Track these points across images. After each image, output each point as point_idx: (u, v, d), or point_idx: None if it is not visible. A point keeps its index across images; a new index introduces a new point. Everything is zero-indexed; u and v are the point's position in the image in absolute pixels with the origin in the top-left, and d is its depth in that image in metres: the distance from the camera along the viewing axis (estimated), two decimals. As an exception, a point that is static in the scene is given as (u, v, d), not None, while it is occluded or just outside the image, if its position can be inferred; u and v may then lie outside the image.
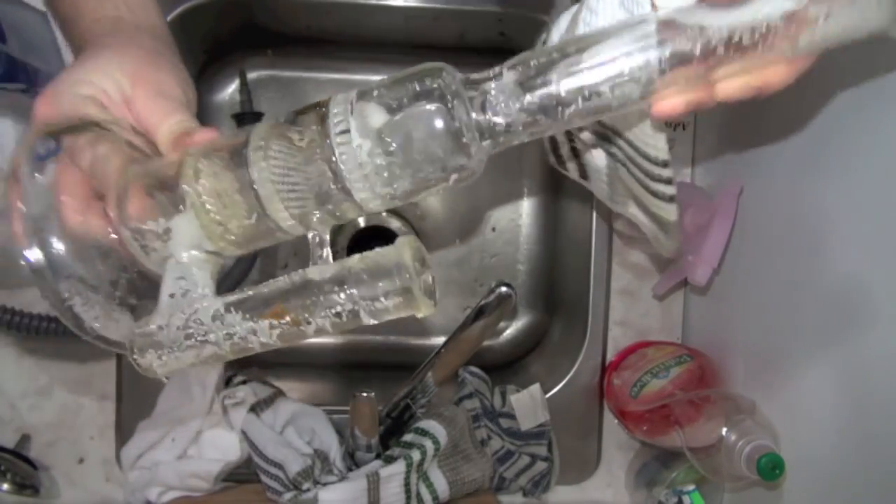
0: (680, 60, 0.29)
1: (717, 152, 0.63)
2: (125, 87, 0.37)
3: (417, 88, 0.29)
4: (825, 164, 0.47)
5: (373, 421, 0.54)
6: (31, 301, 0.61)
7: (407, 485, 0.54)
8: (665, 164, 0.40)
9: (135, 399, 0.62)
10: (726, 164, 0.61)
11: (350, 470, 0.56)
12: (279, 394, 0.60)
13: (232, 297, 0.31)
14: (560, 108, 0.29)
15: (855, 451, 0.44)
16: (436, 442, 0.55)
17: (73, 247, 0.33)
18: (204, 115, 0.73)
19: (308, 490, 0.53)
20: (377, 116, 0.29)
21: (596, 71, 0.29)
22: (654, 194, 0.42)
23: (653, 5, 0.31)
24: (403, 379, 0.58)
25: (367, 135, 0.29)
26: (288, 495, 0.54)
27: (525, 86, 0.29)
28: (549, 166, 0.78)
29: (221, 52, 0.71)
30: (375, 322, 0.30)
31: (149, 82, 0.38)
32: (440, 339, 0.58)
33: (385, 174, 0.29)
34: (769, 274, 0.54)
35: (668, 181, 0.41)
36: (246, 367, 0.63)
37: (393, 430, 0.60)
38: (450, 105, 0.29)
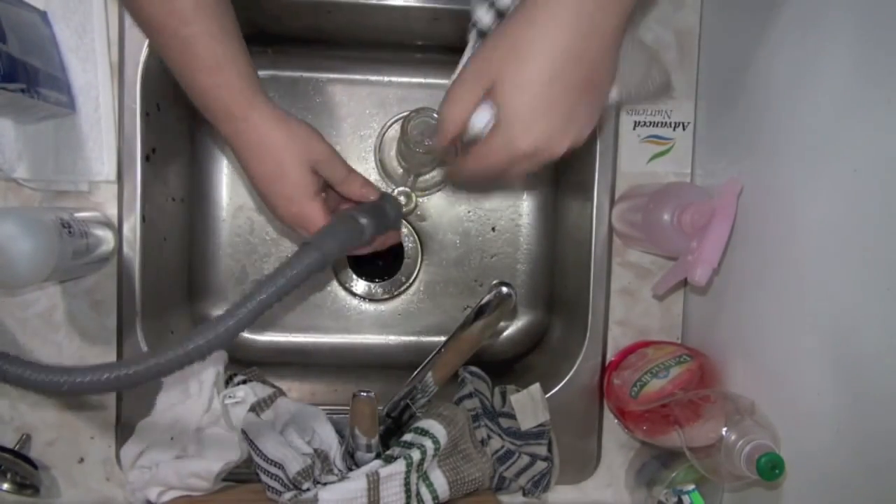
0: None
1: (717, 152, 0.63)
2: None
3: None
4: (825, 164, 0.47)
5: (373, 421, 0.54)
6: (29, 301, 0.61)
7: (407, 484, 0.54)
8: None
9: (135, 399, 0.62)
10: (726, 164, 0.61)
11: (350, 470, 0.56)
12: (279, 394, 0.61)
13: None
14: None
15: (854, 450, 0.44)
16: (436, 442, 0.55)
17: None
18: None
19: (308, 490, 0.53)
20: None
21: None
22: None
23: None
24: (403, 379, 0.58)
25: None
26: (288, 495, 0.54)
27: None
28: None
29: (221, 52, 0.71)
30: None
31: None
32: (440, 339, 0.58)
33: None
34: (769, 274, 0.54)
35: None
36: (246, 367, 0.63)
37: (393, 430, 0.60)
38: None
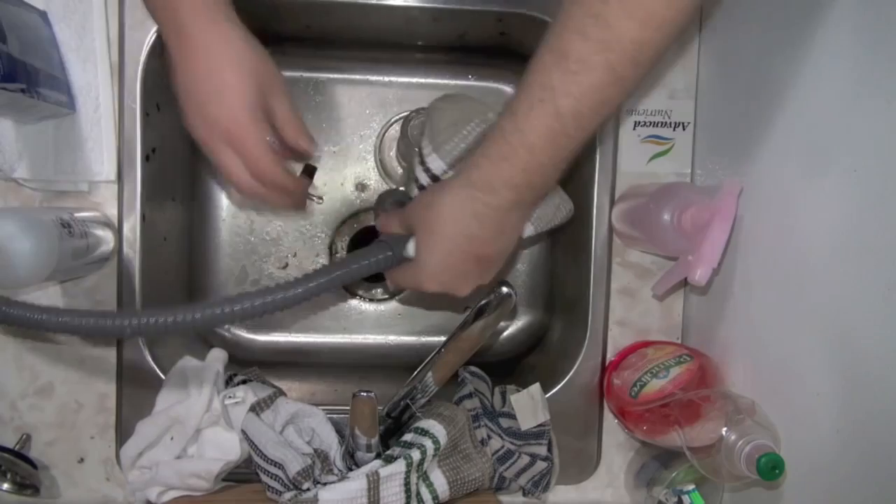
0: None
1: (717, 152, 0.63)
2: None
3: None
4: (825, 164, 0.47)
5: (373, 421, 0.54)
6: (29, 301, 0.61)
7: (407, 484, 0.54)
8: None
9: (135, 399, 0.62)
10: (726, 164, 0.61)
11: (350, 470, 0.56)
12: (279, 394, 0.61)
13: None
14: None
15: (854, 450, 0.44)
16: (436, 442, 0.55)
17: None
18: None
19: (308, 490, 0.53)
20: None
21: None
22: None
23: None
24: (403, 379, 0.58)
25: None
26: (288, 495, 0.54)
27: None
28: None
29: (221, 52, 0.71)
30: None
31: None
32: (440, 339, 0.58)
33: None
34: (769, 274, 0.54)
35: None
36: (246, 367, 0.63)
37: (393, 430, 0.60)
38: None
